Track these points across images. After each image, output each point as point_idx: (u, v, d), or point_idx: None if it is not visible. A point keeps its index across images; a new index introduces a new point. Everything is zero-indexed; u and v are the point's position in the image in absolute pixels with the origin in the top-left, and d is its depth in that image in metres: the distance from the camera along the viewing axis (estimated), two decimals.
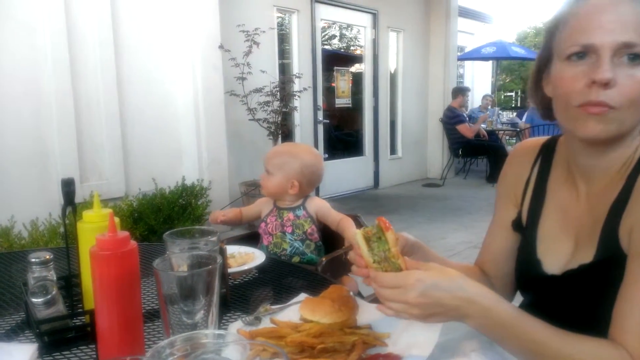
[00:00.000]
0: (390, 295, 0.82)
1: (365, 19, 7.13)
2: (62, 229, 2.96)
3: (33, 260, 1.04)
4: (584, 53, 0.83)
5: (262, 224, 1.92)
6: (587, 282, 0.89)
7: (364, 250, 0.87)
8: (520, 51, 10.64)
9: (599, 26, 0.82)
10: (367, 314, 1.05)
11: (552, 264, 0.97)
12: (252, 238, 1.96)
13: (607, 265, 0.85)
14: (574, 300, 0.92)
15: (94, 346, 0.91)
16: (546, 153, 1.06)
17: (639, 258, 0.80)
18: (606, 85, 0.80)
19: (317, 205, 1.93)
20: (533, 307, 1.00)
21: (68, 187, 0.94)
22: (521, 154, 1.11)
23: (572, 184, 0.99)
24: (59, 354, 0.94)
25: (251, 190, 4.69)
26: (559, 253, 0.96)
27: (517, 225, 1.08)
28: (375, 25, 7.18)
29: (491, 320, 0.82)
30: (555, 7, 0.93)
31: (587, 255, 0.90)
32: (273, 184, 1.88)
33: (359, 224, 1.95)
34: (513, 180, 1.10)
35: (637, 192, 0.83)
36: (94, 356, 0.92)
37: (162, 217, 3.43)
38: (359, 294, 1.57)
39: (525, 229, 1.05)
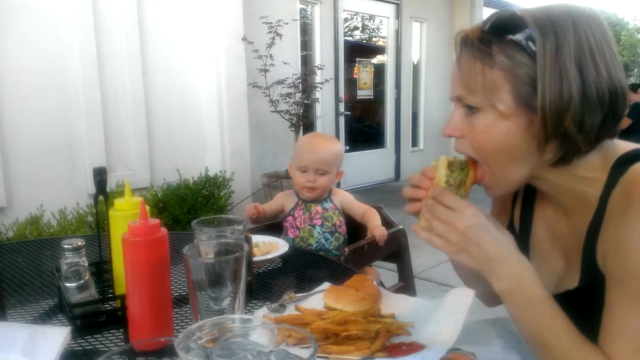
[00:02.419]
0: (441, 214, 0.83)
1: (388, 10, 7.07)
2: (89, 218, 3.04)
3: (66, 246, 1.07)
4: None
5: (289, 218, 1.92)
6: (573, 307, 0.85)
7: (442, 170, 0.87)
8: None
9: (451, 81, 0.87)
10: (391, 303, 1.06)
11: (543, 283, 0.92)
12: (273, 228, 1.97)
13: (592, 291, 0.82)
14: None
15: (123, 330, 0.94)
16: None
17: (613, 286, 0.77)
18: (455, 137, 0.87)
19: (342, 196, 1.95)
20: None
21: (100, 176, 0.97)
22: None
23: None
24: (90, 336, 0.97)
25: (272, 182, 4.71)
26: (549, 271, 0.93)
27: (510, 231, 1.05)
28: (398, 15, 7.11)
29: (519, 291, 0.81)
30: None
31: (573, 280, 0.87)
32: (327, 181, 1.89)
33: (382, 215, 1.96)
34: None
35: (608, 216, 0.80)
36: (124, 339, 0.95)
37: (186, 207, 3.48)
38: (382, 284, 1.57)
39: (519, 238, 1.01)
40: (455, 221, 0.81)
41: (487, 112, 0.81)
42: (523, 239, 1.00)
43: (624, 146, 0.83)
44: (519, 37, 0.77)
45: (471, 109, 0.83)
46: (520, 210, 1.02)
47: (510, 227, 1.05)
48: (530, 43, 0.76)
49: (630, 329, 0.73)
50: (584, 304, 0.83)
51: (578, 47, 0.75)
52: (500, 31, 0.78)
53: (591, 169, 0.82)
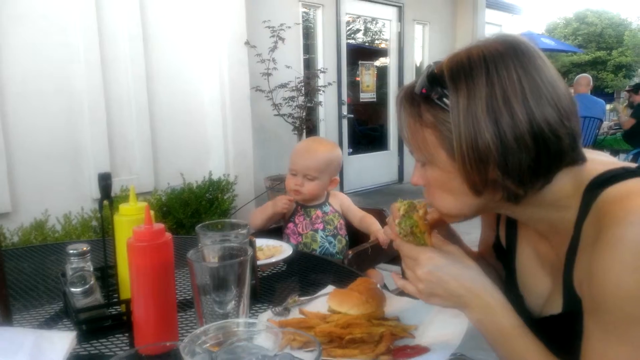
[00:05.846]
0: (407, 264, 0.87)
1: (390, 12, 7.08)
2: (94, 222, 3.04)
3: (71, 251, 1.08)
4: None
5: (290, 225, 1.90)
6: (557, 332, 0.85)
7: (395, 222, 0.88)
8: (549, 42, 10.44)
9: None
10: (395, 306, 1.06)
11: (531, 303, 0.94)
12: (276, 232, 1.96)
13: (574, 317, 0.80)
14: (549, 346, 0.85)
15: (128, 334, 0.95)
16: None
17: (589, 315, 0.75)
18: (420, 185, 0.88)
19: (340, 199, 1.95)
20: None
21: (105, 181, 0.98)
22: None
23: None
24: (96, 341, 0.98)
25: (276, 185, 4.72)
26: (536, 293, 0.92)
27: (498, 249, 1.03)
28: (400, 18, 7.11)
29: (490, 320, 0.82)
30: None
31: (557, 305, 0.86)
32: (316, 186, 1.85)
33: (384, 218, 1.96)
34: None
35: (583, 244, 0.78)
36: (129, 344, 0.95)
37: (190, 211, 3.48)
38: (385, 287, 1.57)
39: (506, 256, 1.00)
40: (416, 269, 0.84)
41: (432, 166, 0.83)
42: (509, 257, 0.99)
43: (597, 166, 0.80)
44: (437, 94, 0.78)
45: (421, 163, 0.85)
46: (505, 228, 1.00)
47: (498, 244, 1.03)
48: (445, 99, 0.77)
49: None
50: (568, 329, 0.82)
51: (490, 95, 0.73)
52: (425, 90, 0.79)
53: (562, 196, 0.80)
